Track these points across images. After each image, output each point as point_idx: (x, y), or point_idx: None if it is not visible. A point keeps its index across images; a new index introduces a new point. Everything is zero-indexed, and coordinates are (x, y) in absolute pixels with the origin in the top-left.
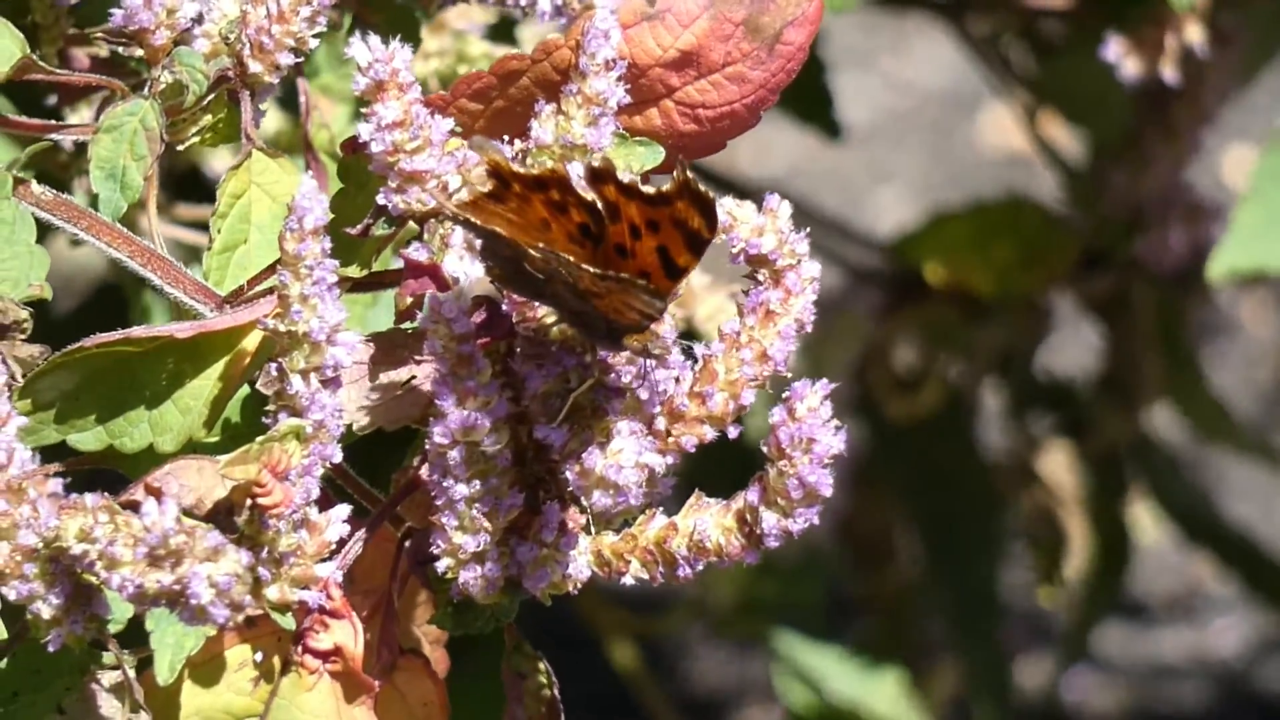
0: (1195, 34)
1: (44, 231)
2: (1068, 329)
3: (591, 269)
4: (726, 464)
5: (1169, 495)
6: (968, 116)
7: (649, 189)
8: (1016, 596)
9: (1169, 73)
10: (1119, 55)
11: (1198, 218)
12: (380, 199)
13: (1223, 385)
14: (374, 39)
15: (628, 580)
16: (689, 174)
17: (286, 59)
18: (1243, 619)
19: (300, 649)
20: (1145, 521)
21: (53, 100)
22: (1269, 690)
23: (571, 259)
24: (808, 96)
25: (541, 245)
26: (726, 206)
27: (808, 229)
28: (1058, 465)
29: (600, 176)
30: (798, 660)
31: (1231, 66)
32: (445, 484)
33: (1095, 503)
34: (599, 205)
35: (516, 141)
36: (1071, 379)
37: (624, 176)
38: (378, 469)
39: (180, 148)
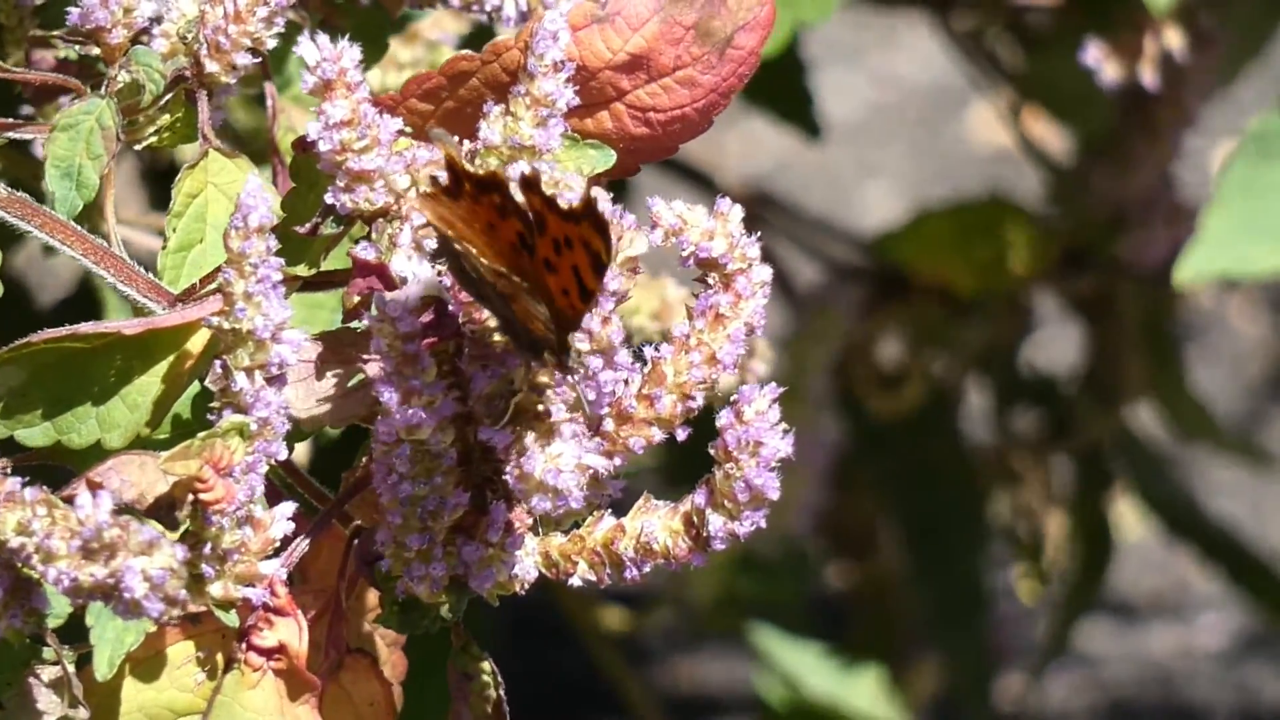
0: (1174, 39)
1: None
2: (1052, 327)
3: (487, 261)
4: None
5: (1152, 491)
6: (956, 112)
7: (564, 203)
8: (1000, 593)
9: (1148, 77)
10: (1098, 59)
11: (1179, 218)
12: (329, 198)
13: (1210, 382)
14: (322, 38)
15: (575, 581)
16: (593, 193)
17: (243, 59)
18: (1229, 614)
19: (244, 646)
20: (1130, 518)
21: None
22: (1257, 685)
23: (474, 249)
24: (788, 96)
25: (463, 241)
26: (677, 210)
27: (761, 232)
28: (1041, 461)
29: (528, 185)
30: (777, 656)
31: (1213, 67)
32: (390, 481)
33: (1078, 499)
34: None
35: (466, 142)
36: (1055, 376)
37: (548, 188)
38: (331, 468)
39: (138, 147)
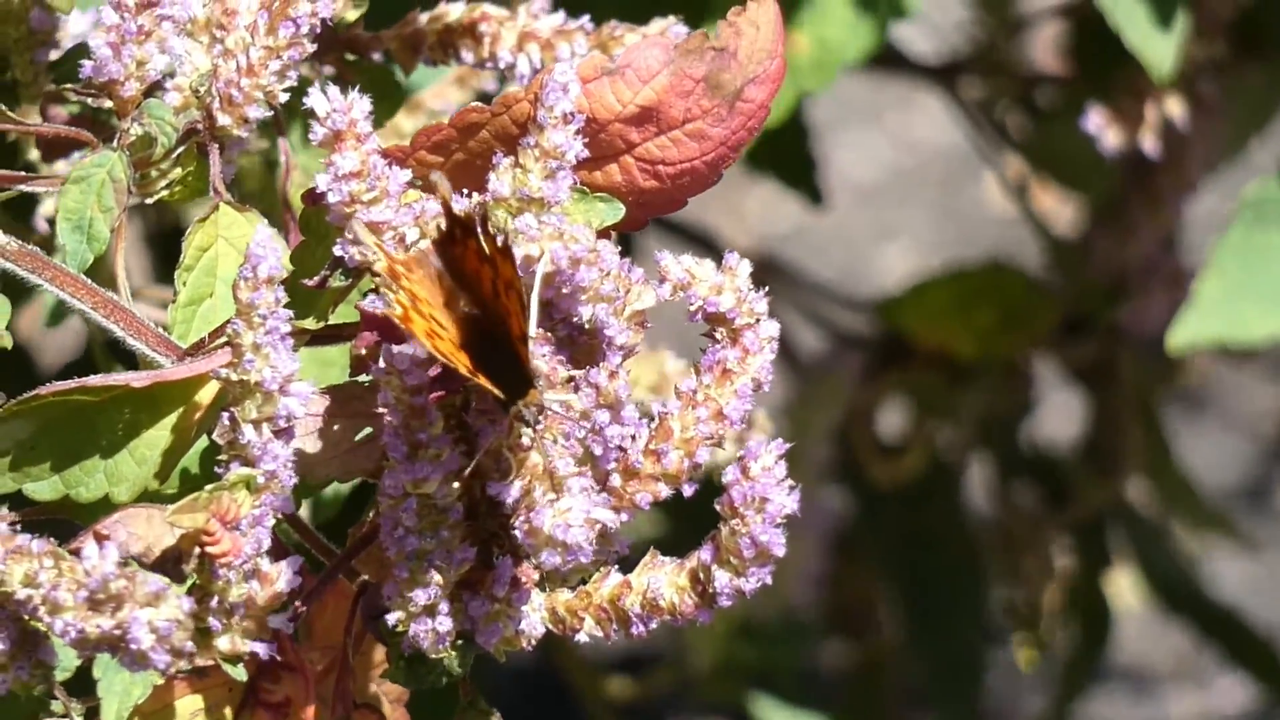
0: (1175, 106)
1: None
2: (1053, 396)
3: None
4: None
5: (1151, 565)
6: (974, 175)
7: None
8: (999, 666)
9: (1149, 144)
10: (1099, 126)
11: (1180, 284)
12: (338, 250)
13: (1223, 448)
14: (333, 89)
15: (582, 637)
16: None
17: (256, 112)
18: (1247, 678)
19: (252, 700)
20: (1131, 588)
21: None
22: None
23: (420, 295)
24: (792, 162)
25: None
26: (685, 264)
27: (769, 289)
28: (1040, 532)
29: (464, 226)
30: None
31: (1215, 134)
32: (397, 536)
33: (1077, 572)
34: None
35: (475, 194)
36: (1055, 447)
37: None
38: (338, 523)
39: (149, 200)
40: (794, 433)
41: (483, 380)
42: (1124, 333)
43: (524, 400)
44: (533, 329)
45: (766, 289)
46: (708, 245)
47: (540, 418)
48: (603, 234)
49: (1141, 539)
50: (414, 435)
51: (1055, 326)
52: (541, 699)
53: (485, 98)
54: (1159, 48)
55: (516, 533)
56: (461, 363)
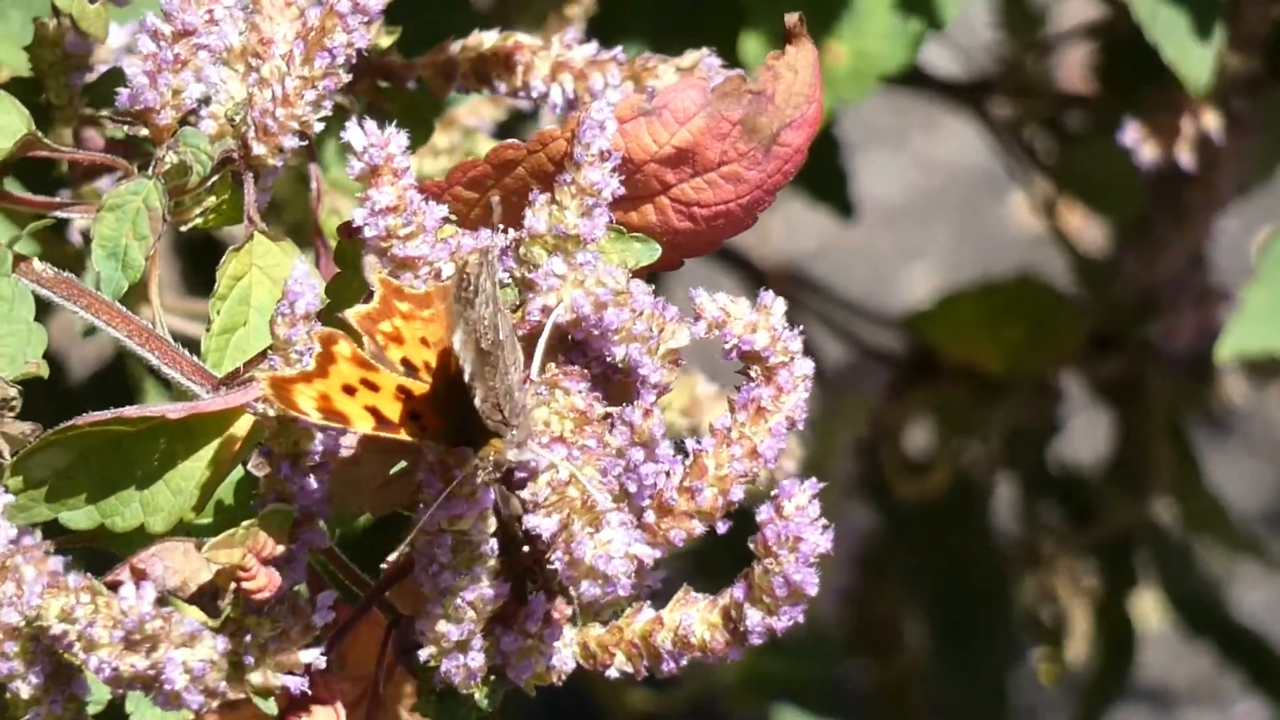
0: (1212, 120)
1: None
2: (1081, 415)
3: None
4: None
5: (1175, 586)
6: (998, 195)
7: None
8: (1025, 684)
9: (1185, 158)
10: (1136, 140)
11: (1208, 302)
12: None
13: (1249, 473)
14: (370, 123)
15: (612, 672)
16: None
17: (291, 141)
18: (1266, 701)
19: None
20: (1154, 608)
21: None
22: None
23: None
24: (822, 175)
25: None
26: (720, 302)
27: (810, 306)
28: (1067, 551)
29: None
30: None
31: (1247, 152)
32: (431, 571)
33: (1103, 591)
34: None
35: (511, 230)
36: (1082, 466)
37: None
38: (371, 556)
39: (184, 228)
40: (820, 448)
41: (427, 442)
42: (1152, 350)
43: (482, 454)
44: (535, 374)
45: (790, 307)
46: (737, 263)
47: (493, 472)
48: (636, 274)
49: (1166, 559)
50: (449, 472)
51: (1084, 343)
52: (563, 711)
53: (520, 116)
54: (1196, 61)
55: (555, 565)
56: (400, 432)
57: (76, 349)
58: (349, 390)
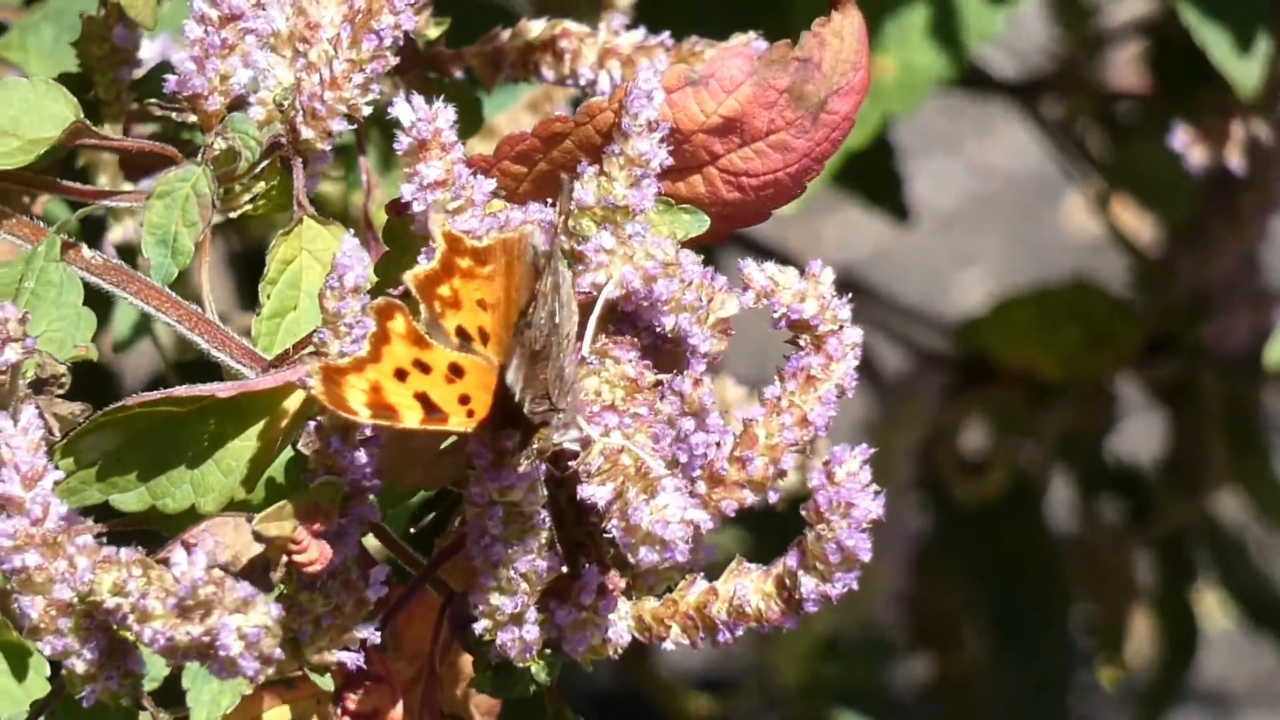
0: (1260, 124)
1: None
2: (1136, 415)
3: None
4: None
5: (1235, 581)
6: (1052, 201)
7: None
8: (1082, 684)
9: (1235, 161)
10: (1185, 144)
11: (1263, 303)
12: (421, 259)
13: None
14: (417, 98)
15: (668, 645)
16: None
17: (339, 125)
18: None
19: (339, 711)
20: (1215, 607)
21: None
22: None
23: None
24: (878, 179)
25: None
26: (768, 271)
27: (866, 311)
28: (1124, 550)
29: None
30: None
31: None
32: (484, 544)
33: (1162, 589)
34: None
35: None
36: (1138, 465)
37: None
38: (421, 535)
39: (233, 214)
40: (878, 452)
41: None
42: (1207, 352)
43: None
44: (586, 350)
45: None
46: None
47: (536, 459)
48: (685, 245)
49: (1226, 556)
50: (499, 443)
51: (1138, 345)
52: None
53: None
54: (1244, 64)
55: (611, 533)
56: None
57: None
58: (400, 375)
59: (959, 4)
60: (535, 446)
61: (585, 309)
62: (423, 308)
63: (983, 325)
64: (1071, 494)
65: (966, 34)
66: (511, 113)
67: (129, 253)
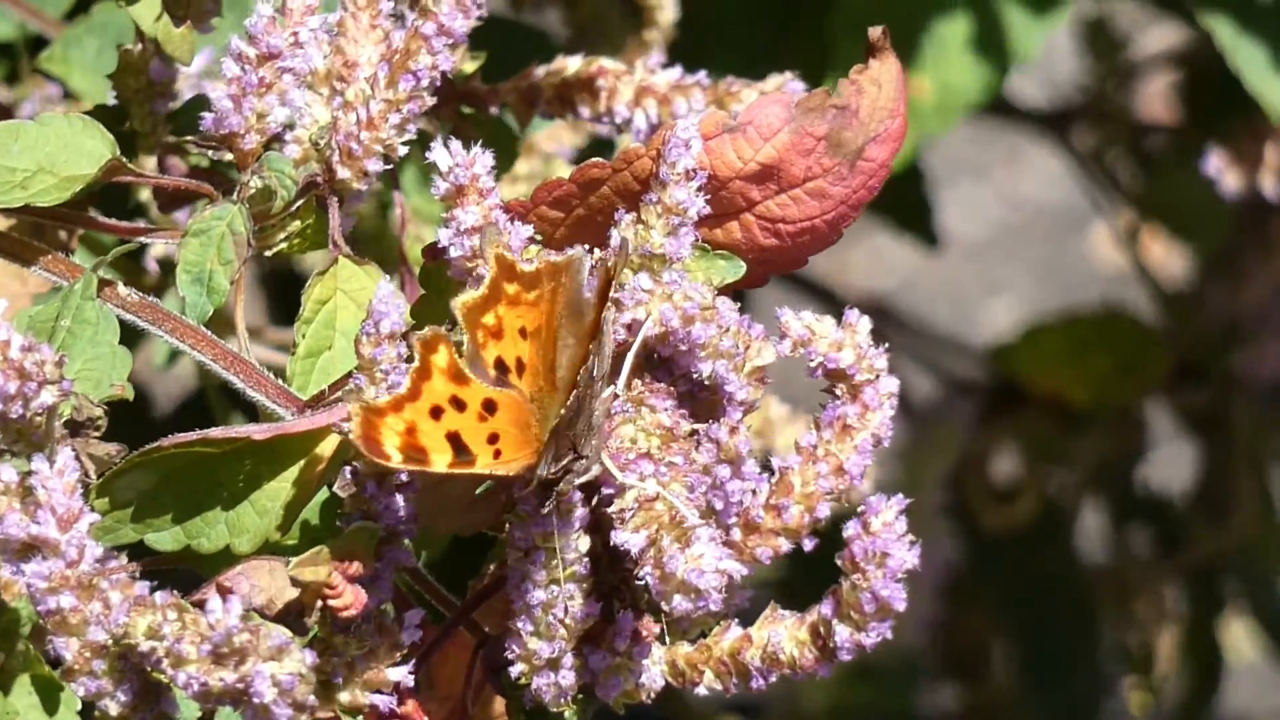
0: None
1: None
2: (1167, 444)
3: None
4: None
5: (1264, 611)
6: (1080, 230)
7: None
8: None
9: (1269, 186)
10: (1219, 169)
11: None
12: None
13: None
14: (455, 143)
15: (701, 690)
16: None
17: (375, 165)
18: None
19: None
20: (1245, 638)
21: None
22: None
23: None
24: (907, 206)
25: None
26: (805, 320)
27: (896, 339)
28: (1154, 578)
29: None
30: None
31: None
32: (523, 588)
33: (1190, 618)
34: None
35: (597, 250)
36: (1169, 494)
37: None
38: (455, 576)
39: (268, 253)
40: (908, 479)
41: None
42: (1237, 380)
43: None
44: (621, 388)
45: (878, 341)
46: (822, 296)
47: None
48: (722, 291)
49: (1255, 586)
50: (546, 489)
51: (1169, 374)
52: None
53: (599, 141)
54: (1278, 89)
55: (645, 580)
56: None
57: (161, 383)
58: (436, 413)
59: (1002, 18)
60: (558, 488)
61: (621, 351)
62: (465, 338)
63: (1013, 350)
64: (1101, 522)
65: (1009, 52)
66: (551, 130)
67: (173, 267)
